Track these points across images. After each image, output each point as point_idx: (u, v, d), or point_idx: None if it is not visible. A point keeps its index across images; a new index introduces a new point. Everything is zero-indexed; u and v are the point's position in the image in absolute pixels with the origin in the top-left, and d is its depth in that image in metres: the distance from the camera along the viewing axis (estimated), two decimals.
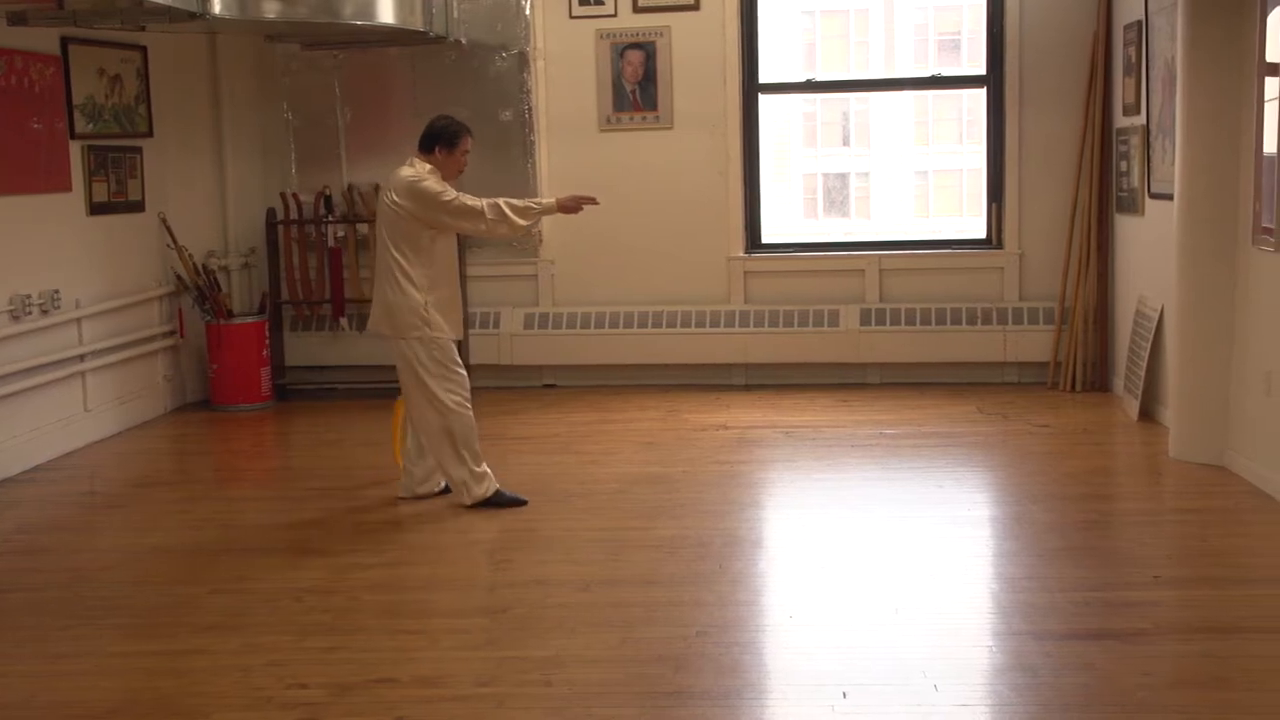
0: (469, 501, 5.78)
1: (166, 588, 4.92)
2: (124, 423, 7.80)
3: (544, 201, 5.98)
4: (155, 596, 4.82)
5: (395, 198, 5.66)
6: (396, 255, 5.68)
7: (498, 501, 5.77)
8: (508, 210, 5.71)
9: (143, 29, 7.66)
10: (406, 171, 5.69)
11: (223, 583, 4.92)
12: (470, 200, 5.66)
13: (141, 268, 8.11)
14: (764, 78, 8.76)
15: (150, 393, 8.15)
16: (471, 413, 5.81)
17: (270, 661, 4.10)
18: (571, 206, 5.90)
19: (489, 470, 5.84)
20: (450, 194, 5.65)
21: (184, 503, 6.24)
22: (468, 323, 8.69)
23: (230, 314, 8.44)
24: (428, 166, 5.71)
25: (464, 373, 5.84)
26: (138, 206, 8.03)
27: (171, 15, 6.78)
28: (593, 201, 5.90)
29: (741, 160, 8.64)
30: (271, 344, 8.56)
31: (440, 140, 5.72)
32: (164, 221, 8.19)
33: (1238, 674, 3.89)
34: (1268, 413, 5.73)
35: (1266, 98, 5.62)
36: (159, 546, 5.48)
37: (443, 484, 6.00)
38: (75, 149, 7.41)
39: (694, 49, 8.53)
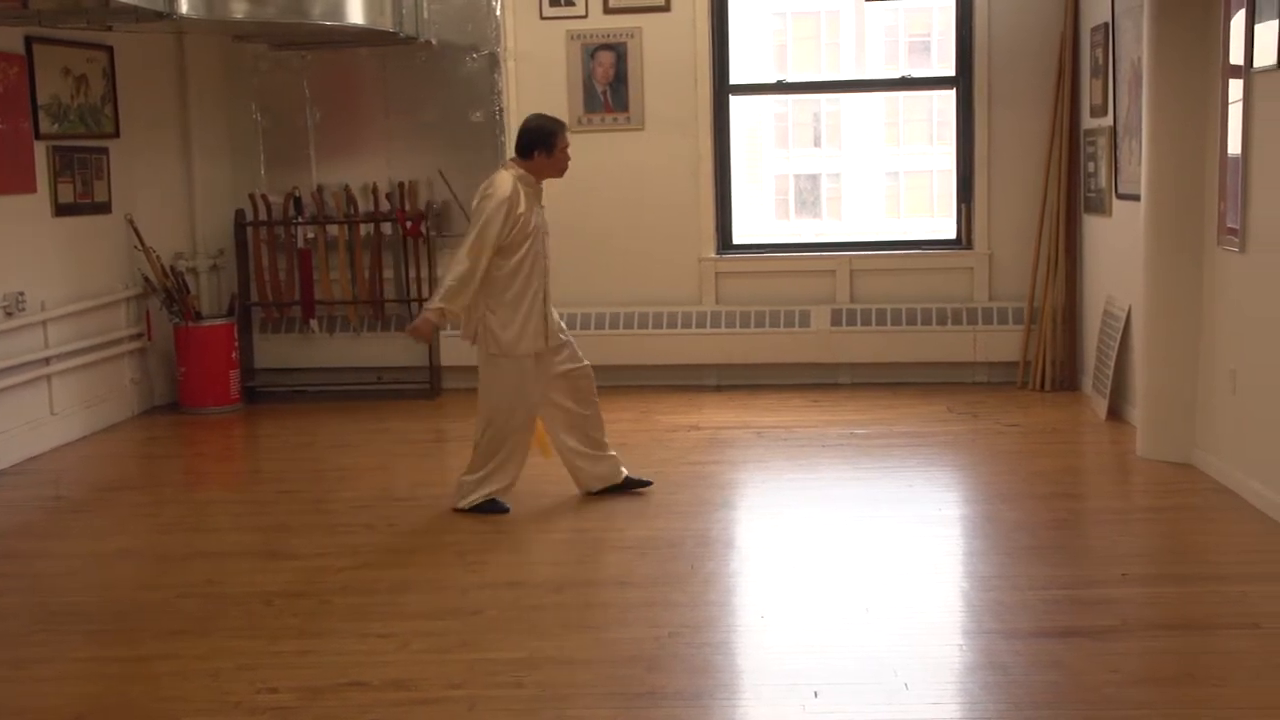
0: (459, 505, 5.74)
1: (134, 592, 4.88)
2: (91, 426, 7.73)
3: (429, 317, 5.59)
4: (122, 601, 4.79)
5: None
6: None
7: (484, 509, 5.72)
8: (451, 288, 5.46)
9: (109, 28, 7.59)
10: (496, 175, 5.57)
11: (191, 587, 4.89)
12: (469, 257, 5.41)
13: (108, 269, 8.05)
14: (735, 79, 8.77)
15: (117, 395, 8.09)
16: (522, 435, 5.68)
17: (240, 666, 4.07)
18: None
19: (497, 488, 5.72)
20: (486, 227, 5.41)
21: (152, 506, 6.20)
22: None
23: (199, 316, 8.38)
24: (519, 172, 5.54)
25: (531, 407, 5.67)
26: (104, 208, 7.97)
27: (138, 15, 6.73)
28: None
29: (713, 161, 8.65)
30: (240, 346, 8.51)
31: (538, 143, 5.56)
32: (131, 223, 8.13)
33: (1204, 670, 3.93)
34: (1233, 411, 5.78)
35: (1231, 99, 5.67)
36: (126, 550, 5.44)
37: (622, 476, 5.94)
38: (40, 149, 7.35)
39: (665, 50, 8.53)
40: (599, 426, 5.91)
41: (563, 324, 5.86)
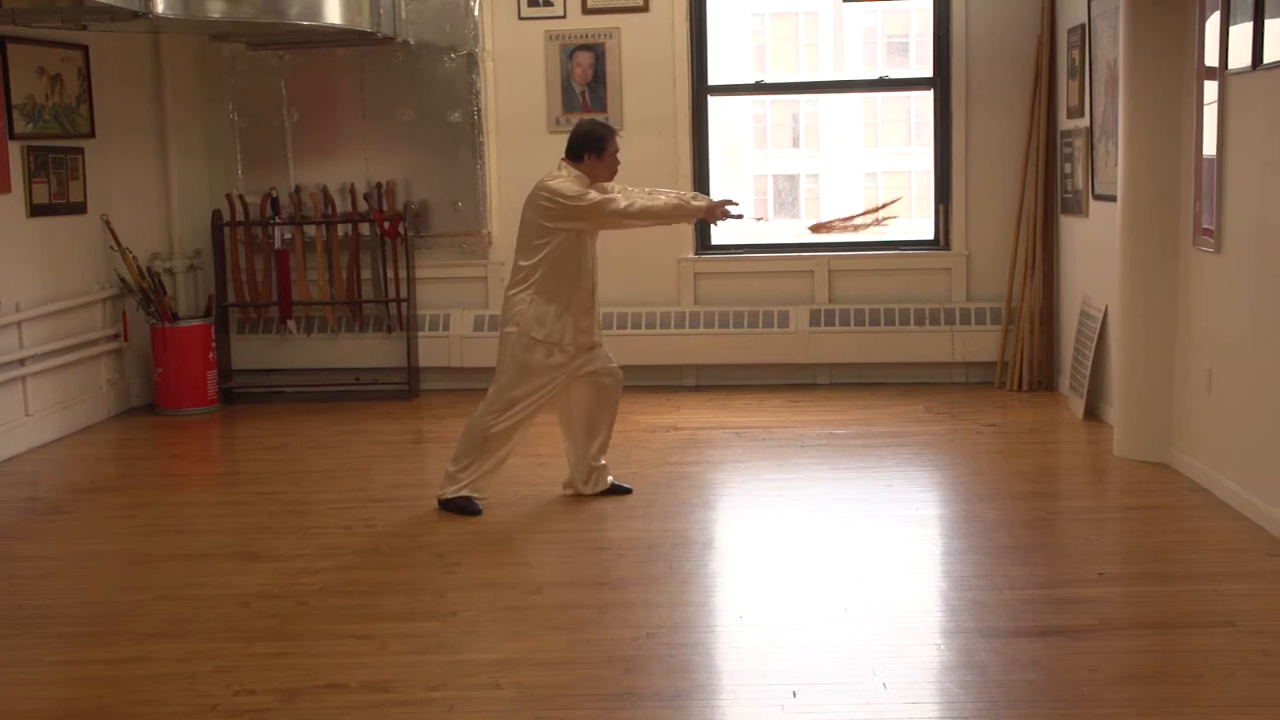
0: (441, 493, 5.77)
1: (110, 595, 4.85)
2: (66, 427, 7.69)
3: (693, 205, 5.79)
4: (98, 604, 4.75)
5: (534, 199, 5.64)
6: (516, 255, 5.70)
7: (457, 506, 5.73)
8: (648, 209, 5.66)
9: (84, 28, 7.55)
10: (551, 178, 5.64)
11: (168, 589, 4.86)
12: (600, 198, 5.60)
13: (84, 270, 8.00)
14: (713, 79, 8.78)
15: (93, 397, 8.04)
16: (501, 428, 5.69)
17: (217, 668, 4.05)
18: (717, 215, 5.80)
19: (474, 480, 5.74)
20: (585, 197, 5.57)
21: (128, 508, 6.16)
22: (415, 323, 8.66)
23: (175, 317, 8.34)
24: (574, 173, 5.66)
25: (524, 399, 5.69)
26: (80, 208, 7.92)
27: (113, 14, 6.70)
28: (730, 214, 5.77)
29: (691, 162, 8.65)
30: (218, 347, 8.47)
31: (589, 147, 5.67)
32: (107, 223, 8.08)
33: (1181, 668, 3.94)
34: (1209, 411, 5.82)
35: (1206, 101, 5.70)
36: (102, 553, 5.41)
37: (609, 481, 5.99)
38: (15, 149, 7.30)
39: (643, 51, 8.54)
40: (606, 433, 5.93)
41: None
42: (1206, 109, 5.70)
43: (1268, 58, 5.05)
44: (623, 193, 5.82)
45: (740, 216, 5.86)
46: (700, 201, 5.84)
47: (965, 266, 8.56)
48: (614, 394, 5.89)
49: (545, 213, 5.59)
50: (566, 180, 5.63)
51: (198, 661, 4.10)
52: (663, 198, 5.79)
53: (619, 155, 5.76)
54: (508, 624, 4.41)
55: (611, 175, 5.78)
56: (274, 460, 7.08)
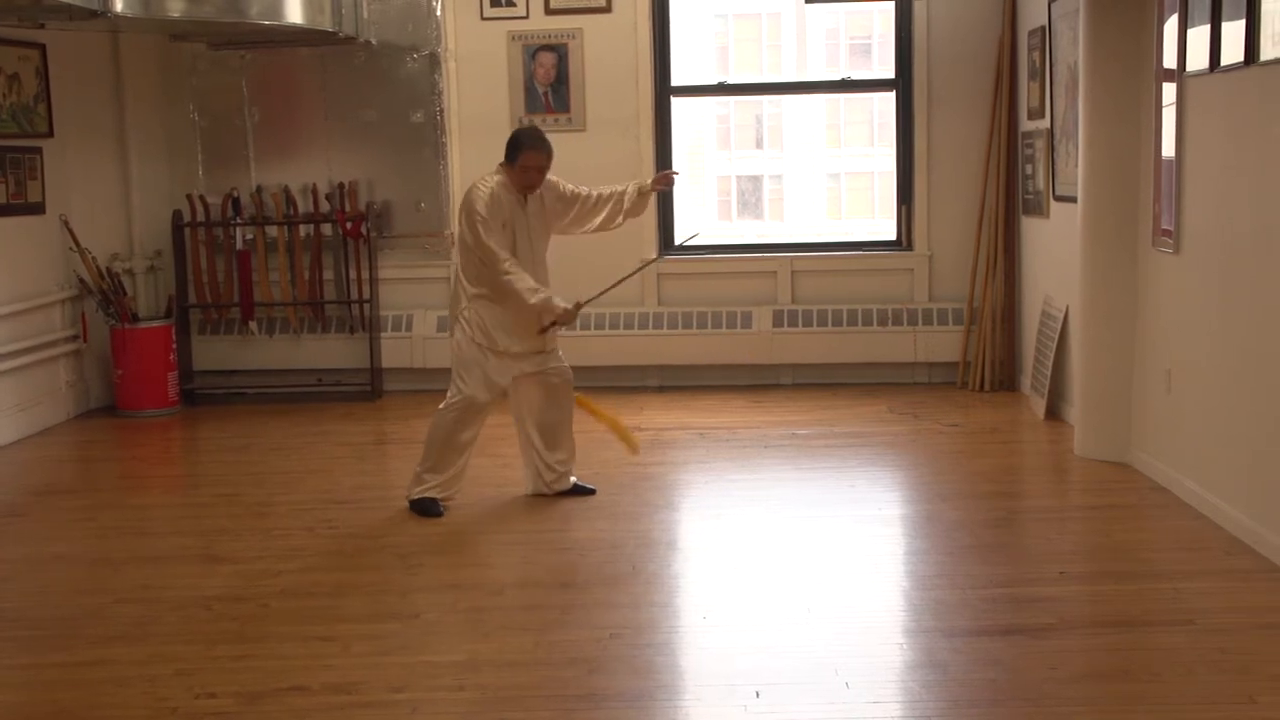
0: (408, 494, 5.77)
1: (69, 598, 4.80)
2: (25, 429, 7.60)
3: (552, 306, 5.56)
4: (57, 607, 4.71)
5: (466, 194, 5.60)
6: (457, 252, 5.67)
7: (421, 508, 5.72)
8: (512, 282, 5.46)
9: (42, 26, 7.47)
10: (481, 181, 5.57)
11: (128, 591, 4.82)
12: (493, 246, 5.43)
13: (42, 271, 7.91)
14: (676, 80, 8.79)
15: (52, 398, 7.96)
16: (454, 418, 5.66)
17: (178, 671, 4.02)
18: (567, 318, 5.65)
19: (441, 480, 5.73)
20: (485, 226, 5.43)
21: (88, 511, 6.10)
22: (377, 324, 8.62)
23: (135, 318, 8.27)
24: (500, 177, 5.57)
25: (468, 388, 5.63)
26: (38, 208, 7.84)
27: (72, 13, 6.63)
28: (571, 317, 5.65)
29: (654, 162, 8.64)
30: (178, 348, 8.41)
31: (506, 152, 5.59)
32: (66, 224, 8.00)
33: (1140, 666, 3.98)
34: (1168, 411, 5.87)
35: (1164, 103, 5.76)
36: (61, 556, 5.36)
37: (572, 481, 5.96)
38: None
39: (606, 51, 8.53)
40: (568, 438, 5.92)
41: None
42: (1165, 111, 5.76)
43: (1225, 60, 5.11)
44: (580, 201, 5.77)
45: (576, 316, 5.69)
46: (555, 308, 5.56)
47: (927, 267, 8.61)
48: (564, 393, 5.87)
49: (459, 212, 5.59)
50: (485, 190, 5.50)
51: (158, 664, 4.07)
52: (532, 293, 5.49)
53: (540, 174, 5.56)
54: (471, 625, 4.39)
55: (521, 187, 5.57)
56: (235, 462, 7.04)
